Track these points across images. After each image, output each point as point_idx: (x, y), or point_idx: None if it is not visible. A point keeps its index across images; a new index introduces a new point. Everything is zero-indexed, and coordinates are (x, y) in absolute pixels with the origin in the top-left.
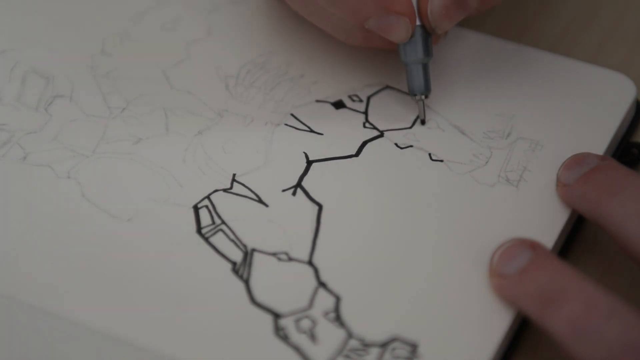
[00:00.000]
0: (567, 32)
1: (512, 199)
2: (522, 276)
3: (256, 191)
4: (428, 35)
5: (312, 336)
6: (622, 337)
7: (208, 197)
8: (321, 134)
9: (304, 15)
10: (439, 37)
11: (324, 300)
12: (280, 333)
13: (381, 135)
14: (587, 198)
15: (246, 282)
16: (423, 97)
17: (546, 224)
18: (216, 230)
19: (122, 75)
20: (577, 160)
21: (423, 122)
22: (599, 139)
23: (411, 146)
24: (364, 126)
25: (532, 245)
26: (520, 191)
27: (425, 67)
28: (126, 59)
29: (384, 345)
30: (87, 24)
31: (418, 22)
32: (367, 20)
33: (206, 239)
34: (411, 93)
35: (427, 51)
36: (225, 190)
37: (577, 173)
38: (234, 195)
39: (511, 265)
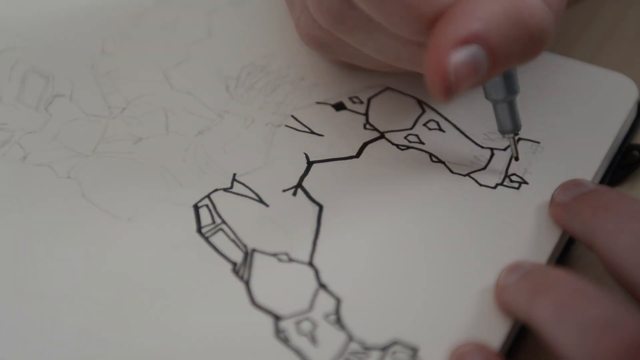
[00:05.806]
0: (567, 32)
1: (513, 201)
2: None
3: (257, 191)
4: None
5: (313, 339)
6: (604, 319)
7: (208, 196)
8: (322, 135)
9: (352, 62)
10: None
11: (325, 303)
12: (280, 335)
13: (382, 136)
14: (579, 218)
15: (247, 283)
16: (513, 135)
17: (547, 225)
18: (216, 229)
19: (122, 75)
20: (573, 184)
21: (517, 159)
22: (600, 141)
23: (412, 147)
24: (365, 128)
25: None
26: (521, 193)
27: (511, 105)
28: (126, 59)
29: (384, 348)
30: (87, 24)
31: None
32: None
33: (206, 239)
34: (500, 132)
35: (512, 88)
36: (225, 189)
37: (572, 194)
38: (235, 195)
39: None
